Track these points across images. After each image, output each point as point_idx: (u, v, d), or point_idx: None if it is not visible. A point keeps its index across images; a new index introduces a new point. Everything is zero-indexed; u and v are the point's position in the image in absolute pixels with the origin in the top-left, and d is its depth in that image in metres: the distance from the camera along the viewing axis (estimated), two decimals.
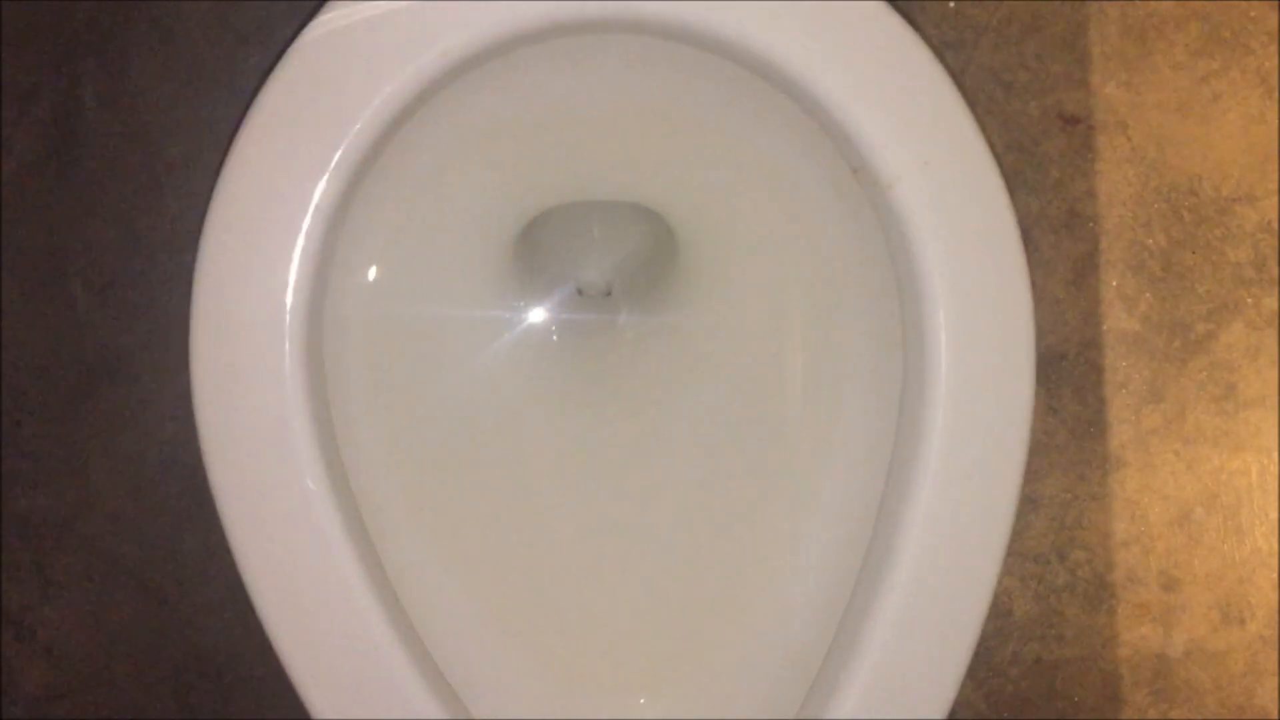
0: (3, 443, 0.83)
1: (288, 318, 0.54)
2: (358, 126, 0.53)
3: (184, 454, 0.83)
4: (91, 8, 0.82)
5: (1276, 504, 0.87)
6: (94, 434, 0.83)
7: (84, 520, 0.84)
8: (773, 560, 0.67)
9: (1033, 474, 0.87)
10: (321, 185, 0.53)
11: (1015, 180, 0.86)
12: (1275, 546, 0.88)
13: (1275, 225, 0.86)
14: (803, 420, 0.67)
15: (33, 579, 0.84)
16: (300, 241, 0.54)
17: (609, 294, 0.73)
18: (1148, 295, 0.87)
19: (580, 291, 0.72)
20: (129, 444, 0.83)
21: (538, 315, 0.71)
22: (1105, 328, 0.87)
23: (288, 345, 0.54)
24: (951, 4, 0.86)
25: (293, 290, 0.53)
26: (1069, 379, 0.87)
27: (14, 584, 0.84)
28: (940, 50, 0.84)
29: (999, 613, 0.88)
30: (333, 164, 0.53)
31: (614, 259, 0.73)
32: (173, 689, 0.85)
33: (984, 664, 0.88)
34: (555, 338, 0.71)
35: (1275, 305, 0.87)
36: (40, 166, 0.83)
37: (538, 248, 0.70)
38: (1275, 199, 0.86)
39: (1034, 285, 0.84)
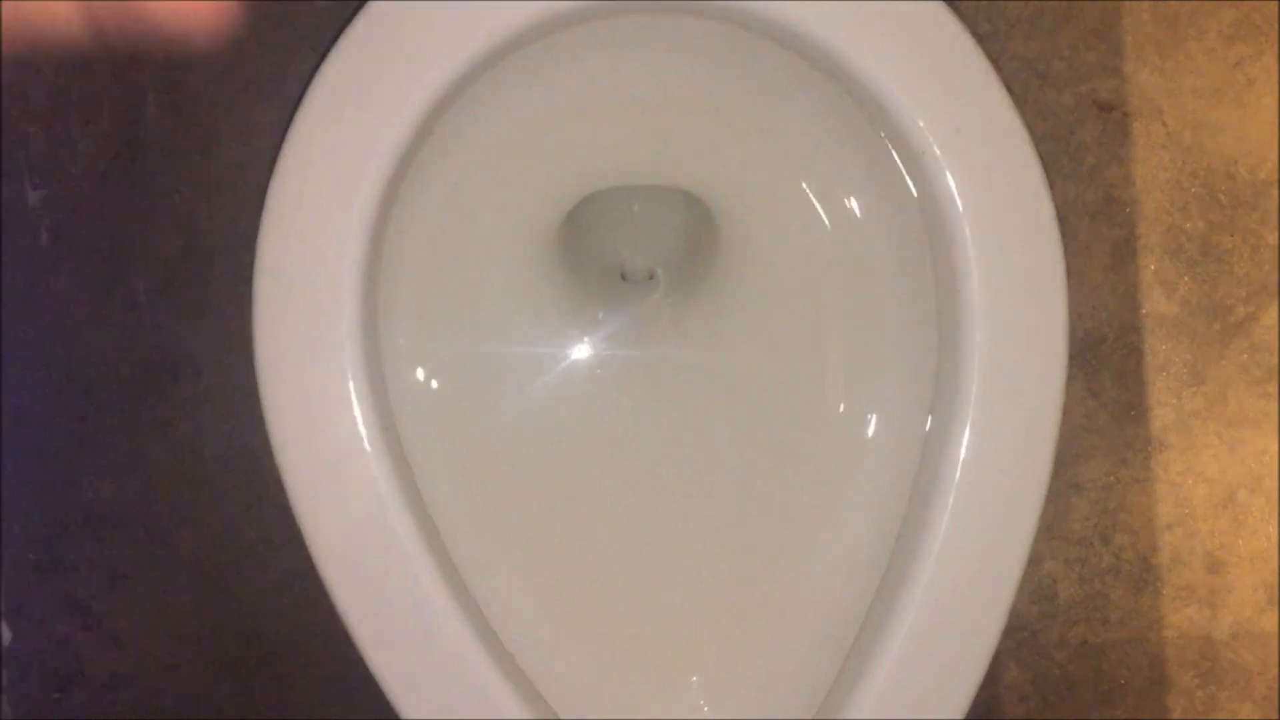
0: (69, 438, 0.86)
1: (345, 300, 0.55)
2: (405, 114, 0.55)
3: (241, 446, 0.85)
4: None
5: None
6: (155, 428, 0.86)
7: (147, 511, 0.86)
8: (809, 546, 0.68)
9: (1074, 458, 0.88)
10: (373, 172, 0.55)
11: (1051, 168, 0.87)
12: None
13: None
14: (840, 408, 0.68)
15: (99, 569, 0.86)
16: (355, 225, 0.55)
17: (652, 279, 0.74)
18: (1186, 279, 0.87)
19: (624, 277, 0.74)
20: (188, 437, 0.86)
21: (582, 300, 0.72)
22: (1144, 311, 0.88)
23: (345, 326, 0.56)
24: None
25: (349, 271, 0.55)
26: (1109, 363, 0.88)
27: (81, 574, 0.86)
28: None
29: (1044, 596, 0.88)
30: (382, 153, 0.55)
31: (657, 244, 0.74)
32: (234, 675, 0.87)
33: (1030, 647, 0.88)
34: (599, 320, 0.72)
35: None
36: (105, 173, 0.85)
37: (582, 234, 0.72)
38: None
39: (1072, 271, 0.85)
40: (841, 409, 0.68)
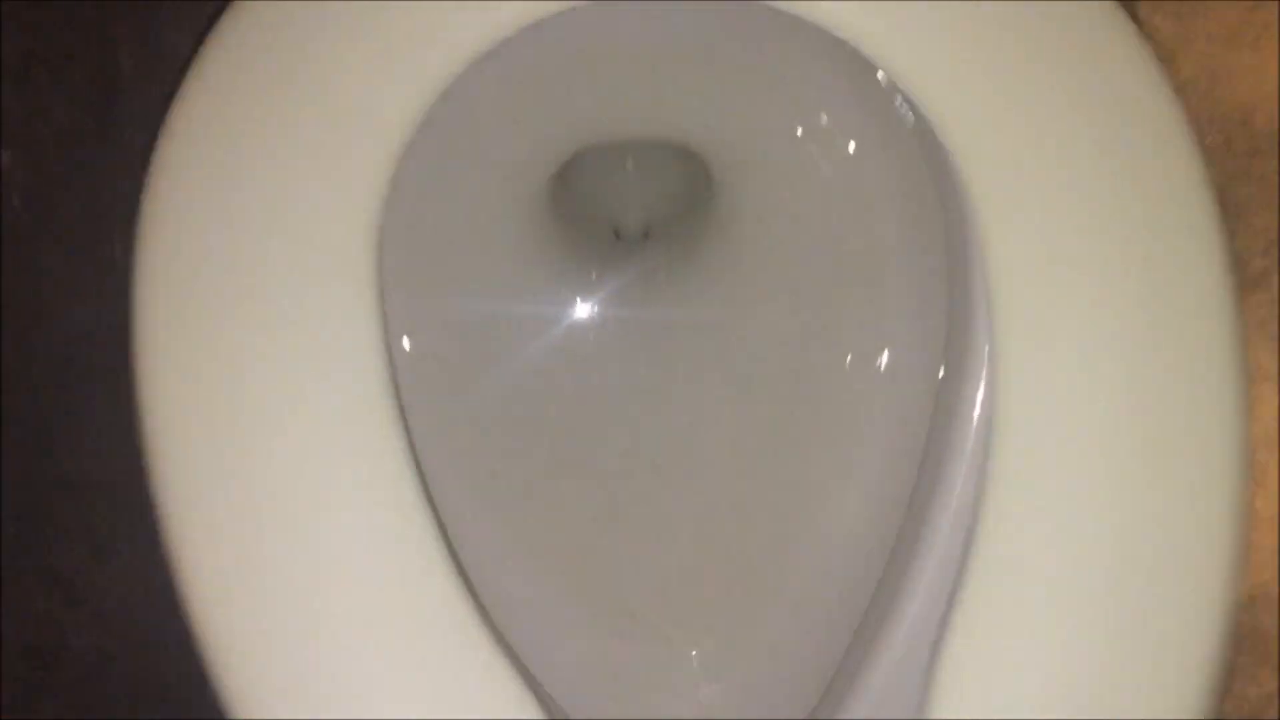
0: (50, 405, 0.84)
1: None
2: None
3: None
4: None
5: None
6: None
7: (131, 485, 0.83)
8: (817, 512, 0.66)
9: None
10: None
11: None
12: None
13: None
14: (847, 360, 0.66)
15: (83, 542, 0.84)
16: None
17: (647, 237, 0.72)
18: None
19: (618, 236, 0.72)
20: None
21: (574, 261, 0.70)
22: None
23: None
24: None
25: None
26: None
27: (64, 547, 0.84)
28: None
29: None
30: None
31: (651, 201, 0.72)
32: None
33: None
34: (593, 281, 0.70)
35: None
36: (79, 132, 0.83)
37: (573, 191, 0.70)
38: None
39: None
40: (849, 361, 0.65)
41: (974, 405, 0.53)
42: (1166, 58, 0.84)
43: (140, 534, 0.84)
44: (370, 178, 0.51)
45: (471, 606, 0.52)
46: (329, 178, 0.50)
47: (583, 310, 0.70)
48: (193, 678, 0.86)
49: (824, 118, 0.61)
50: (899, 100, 0.54)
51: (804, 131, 0.63)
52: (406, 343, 0.62)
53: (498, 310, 0.68)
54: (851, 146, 0.61)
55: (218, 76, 0.52)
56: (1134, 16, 0.82)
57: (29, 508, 0.84)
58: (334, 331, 0.49)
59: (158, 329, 0.51)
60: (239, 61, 0.51)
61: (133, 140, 0.83)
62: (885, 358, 0.64)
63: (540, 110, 0.64)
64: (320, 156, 0.50)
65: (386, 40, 0.50)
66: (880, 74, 0.53)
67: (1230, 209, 0.85)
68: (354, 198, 0.50)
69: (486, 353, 0.67)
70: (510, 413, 0.68)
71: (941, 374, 0.57)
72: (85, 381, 0.84)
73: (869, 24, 0.50)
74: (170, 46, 0.82)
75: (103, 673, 0.85)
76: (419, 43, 0.51)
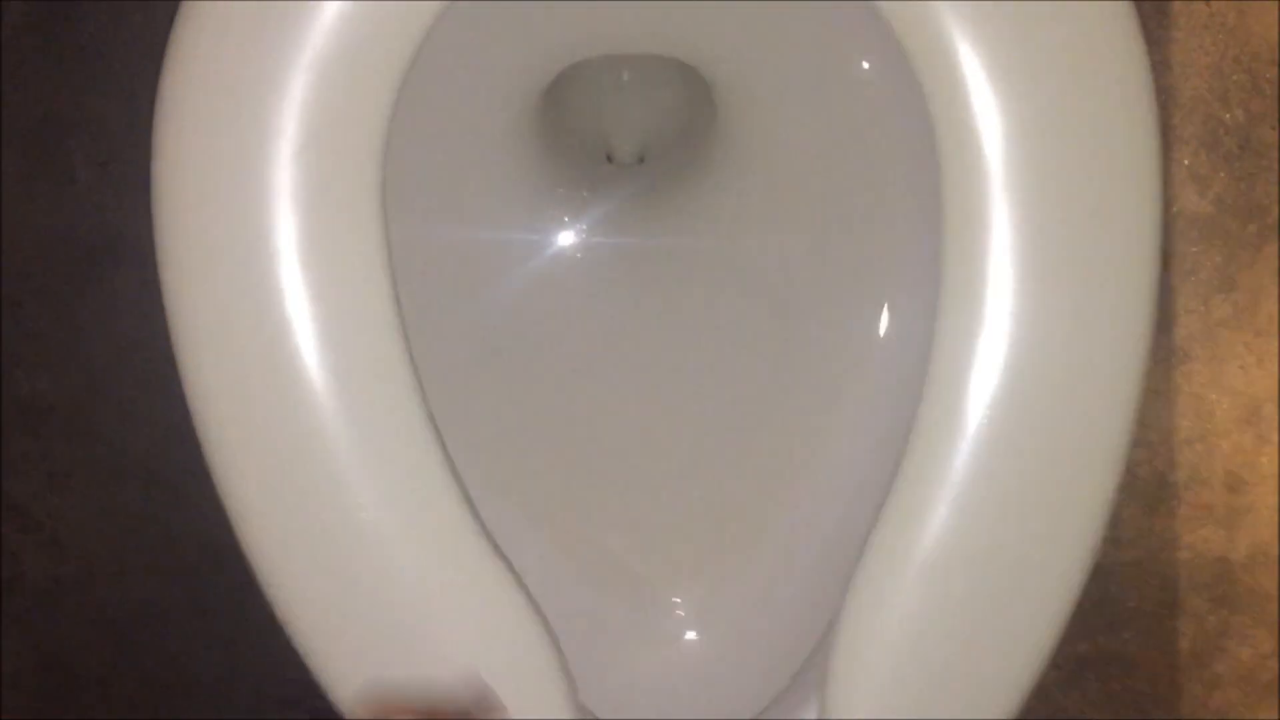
0: (3, 325, 0.81)
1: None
2: None
3: None
4: None
5: None
6: (96, 318, 0.81)
7: (89, 408, 0.81)
8: (810, 457, 0.63)
9: None
10: None
11: None
12: None
13: None
14: (848, 300, 0.63)
15: (38, 468, 0.82)
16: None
17: (642, 161, 0.68)
18: (1222, 175, 0.82)
19: (611, 159, 0.68)
20: (132, 329, 0.80)
21: (565, 184, 0.66)
22: (1174, 210, 0.82)
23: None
24: None
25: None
26: None
27: (18, 473, 0.82)
28: None
29: None
30: None
31: (646, 122, 0.69)
32: (185, 583, 0.83)
33: None
34: (583, 207, 0.66)
35: None
36: (35, 32, 0.78)
37: (564, 110, 0.66)
38: None
39: None
40: (850, 302, 0.62)
41: (969, 360, 0.50)
42: None
43: (98, 461, 0.81)
44: (374, 101, 0.50)
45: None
46: (338, 111, 0.49)
47: (570, 238, 0.67)
48: (152, 608, 0.83)
49: (835, 34, 0.57)
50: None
51: (816, 51, 0.59)
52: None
53: (480, 234, 0.65)
54: (865, 66, 0.57)
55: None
56: None
57: None
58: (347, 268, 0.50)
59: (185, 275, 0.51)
60: None
61: (93, 39, 0.78)
62: (884, 298, 0.61)
63: (530, 19, 0.60)
64: (326, 86, 0.49)
65: None
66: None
67: (1252, 153, 0.81)
68: (360, 123, 0.50)
69: (469, 281, 0.64)
70: (490, 344, 0.65)
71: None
72: (40, 299, 0.81)
73: None
74: None
75: (59, 600, 0.83)
76: None
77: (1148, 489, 0.84)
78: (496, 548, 0.52)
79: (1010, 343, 0.50)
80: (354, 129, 0.50)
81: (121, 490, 0.82)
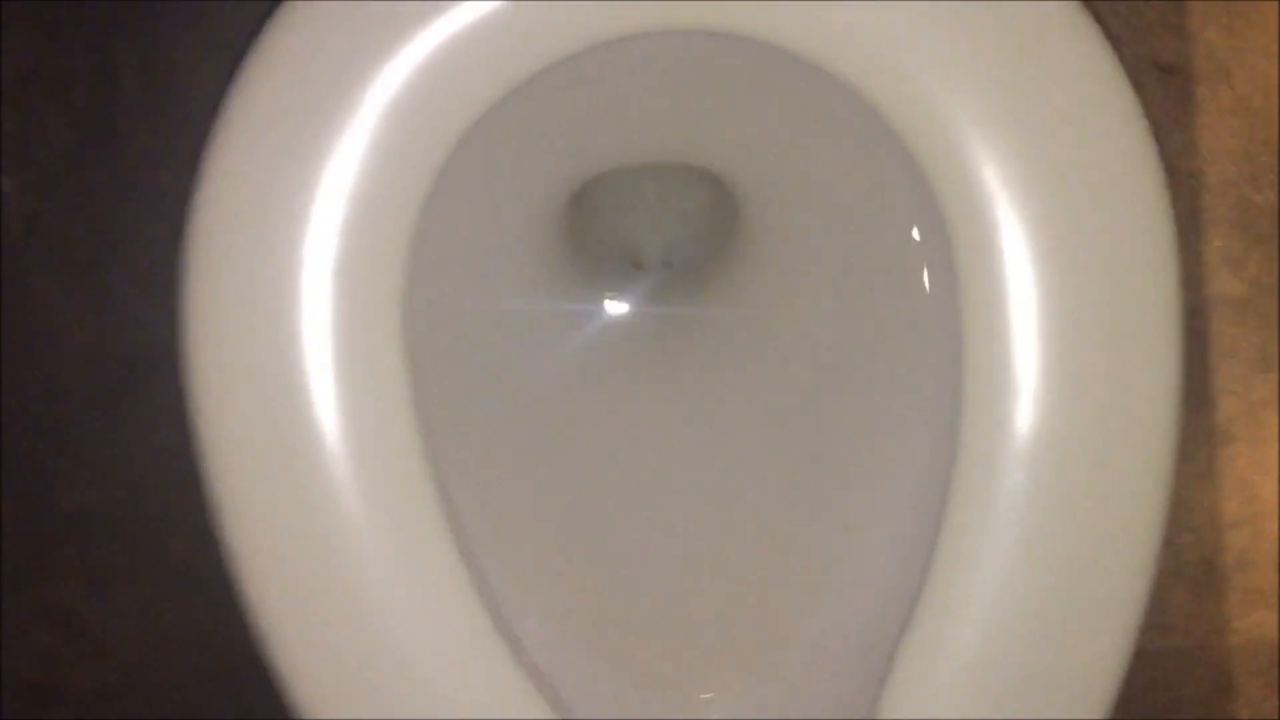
0: (47, 441, 0.84)
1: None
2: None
3: None
4: None
5: None
6: (136, 428, 0.83)
7: (130, 515, 0.83)
8: (842, 538, 0.64)
9: None
10: None
11: None
12: None
13: None
14: (875, 390, 0.63)
15: (81, 577, 0.84)
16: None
17: (668, 266, 0.70)
18: (1256, 256, 0.82)
19: (637, 265, 0.69)
20: (171, 438, 0.82)
21: (592, 291, 0.68)
22: (1209, 292, 0.83)
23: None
24: None
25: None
26: None
27: (63, 583, 0.84)
28: None
29: None
30: None
31: (672, 229, 0.70)
32: (229, 688, 0.84)
33: None
34: (611, 314, 0.68)
35: None
36: (79, 155, 0.82)
37: (589, 219, 0.67)
38: None
39: None
40: (876, 396, 0.62)
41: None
42: (1219, 72, 0.81)
43: (139, 568, 0.84)
44: (399, 220, 0.52)
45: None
46: (370, 199, 0.52)
47: (597, 340, 0.68)
48: (197, 712, 0.85)
49: (849, 142, 0.58)
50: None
51: (832, 155, 0.60)
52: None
53: (506, 339, 0.66)
54: (878, 170, 0.58)
55: (264, 85, 0.53)
56: (1184, 31, 0.80)
57: (27, 542, 0.84)
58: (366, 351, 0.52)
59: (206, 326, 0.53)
60: (287, 67, 0.53)
61: (134, 163, 0.82)
62: (914, 394, 0.61)
63: (553, 128, 0.62)
64: (364, 172, 0.52)
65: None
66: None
67: None
68: (386, 241, 0.52)
69: (495, 378, 0.65)
70: (519, 448, 0.65)
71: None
72: (83, 412, 0.83)
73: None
74: (171, 68, 0.81)
75: (103, 710, 0.85)
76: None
77: (1196, 574, 0.84)
78: (518, 649, 0.53)
79: (1035, 448, 0.51)
80: (381, 246, 0.52)
81: (164, 597, 0.83)
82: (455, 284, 0.61)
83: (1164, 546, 0.81)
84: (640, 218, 0.70)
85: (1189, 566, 0.84)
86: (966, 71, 0.50)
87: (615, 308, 0.69)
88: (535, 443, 0.66)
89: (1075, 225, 0.50)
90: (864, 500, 0.63)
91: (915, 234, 0.56)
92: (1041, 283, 0.50)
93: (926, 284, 0.58)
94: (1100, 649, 0.53)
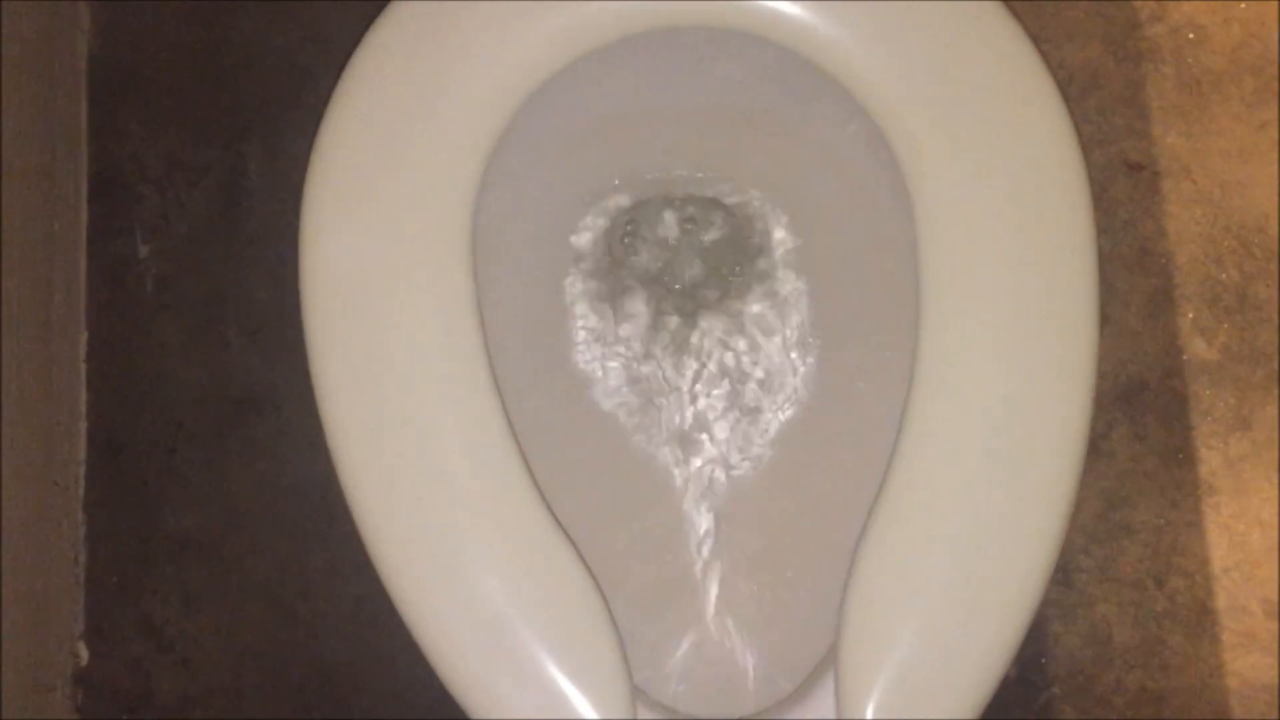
0: (159, 469, 0.92)
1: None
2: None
3: (313, 477, 0.90)
4: (258, 94, 0.95)
5: None
6: (238, 461, 0.91)
7: (226, 540, 0.90)
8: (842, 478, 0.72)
9: (1124, 500, 0.89)
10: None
11: None
12: None
13: None
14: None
15: (176, 595, 0.90)
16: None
17: (692, 289, 0.78)
18: (1225, 326, 0.90)
19: (669, 288, 0.77)
20: (268, 470, 0.91)
21: (621, 310, 0.76)
22: (1185, 358, 0.90)
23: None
24: None
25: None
26: (1153, 407, 0.89)
27: (160, 600, 0.90)
28: None
29: (1098, 640, 0.87)
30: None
31: (695, 254, 0.78)
32: (296, 701, 0.89)
33: (1086, 693, 0.87)
34: (639, 333, 0.76)
35: None
36: (208, 228, 0.94)
37: (618, 244, 0.77)
38: None
39: (1111, 318, 0.88)
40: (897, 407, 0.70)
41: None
42: (1181, 169, 0.91)
43: (227, 589, 0.90)
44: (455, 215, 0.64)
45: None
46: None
47: (626, 362, 0.76)
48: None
49: (859, 175, 0.69)
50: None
51: (846, 182, 0.71)
52: None
53: (541, 361, 0.75)
54: (882, 200, 0.68)
55: (352, 115, 0.69)
56: (1149, 134, 0.91)
57: (131, 559, 0.91)
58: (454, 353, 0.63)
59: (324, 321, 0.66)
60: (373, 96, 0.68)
61: (253, 237, 0.94)
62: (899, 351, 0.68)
63: (587, 164, 0.73)
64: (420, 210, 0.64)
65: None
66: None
67: (1251, 307, 0.90)
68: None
69: (529, 403, 0.71)
70: (550, 467, 0.70)
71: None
72: (193, 446, 0.92)
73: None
74: (291, 164, 0.94)
75: (183, 718, 0.89)
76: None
77: (1190, 616, 0.87)
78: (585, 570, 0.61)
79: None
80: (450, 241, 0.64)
81: (246, 615, 0.90)
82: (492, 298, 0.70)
83: (1158, 590, 0.86)
84: (664, 244, 0.78)
85: (1183, 609, 0.87)
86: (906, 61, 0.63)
87: (642, 324, 0.77)
88: (550, 462, 0.70)
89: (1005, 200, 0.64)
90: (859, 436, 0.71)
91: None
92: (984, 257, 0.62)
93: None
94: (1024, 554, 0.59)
